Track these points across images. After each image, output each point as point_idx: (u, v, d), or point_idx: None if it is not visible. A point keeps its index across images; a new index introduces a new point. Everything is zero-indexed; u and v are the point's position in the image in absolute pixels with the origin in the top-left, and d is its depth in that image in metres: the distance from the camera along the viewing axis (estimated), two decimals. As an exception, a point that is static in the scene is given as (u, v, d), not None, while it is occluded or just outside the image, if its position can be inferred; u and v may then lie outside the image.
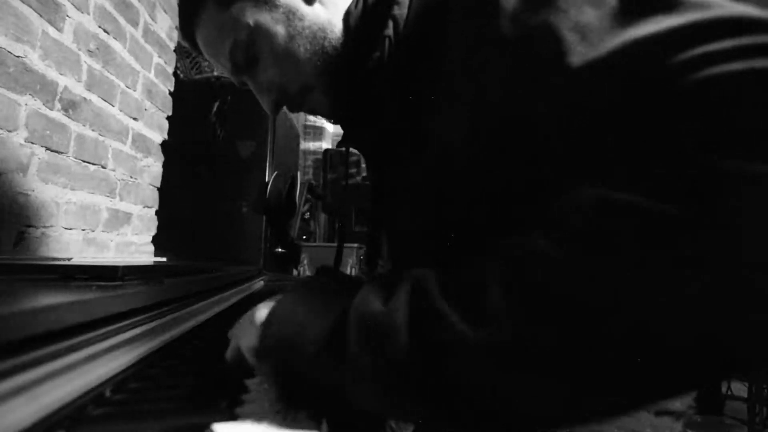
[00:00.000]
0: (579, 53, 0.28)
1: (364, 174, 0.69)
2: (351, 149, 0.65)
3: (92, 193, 1.14)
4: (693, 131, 0.24)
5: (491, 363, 0.26)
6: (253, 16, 0.48)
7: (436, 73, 0.42)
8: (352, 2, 0.51)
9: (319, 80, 0.51)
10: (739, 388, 2.24)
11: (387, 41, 0.46)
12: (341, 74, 0.51)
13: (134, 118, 1.33)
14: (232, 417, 0.30)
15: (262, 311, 0.35)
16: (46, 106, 0.94)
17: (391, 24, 0.46)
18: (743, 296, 0.22)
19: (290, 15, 0.48)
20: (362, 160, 0.67)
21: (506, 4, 0.34)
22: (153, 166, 1.47)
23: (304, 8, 0.49)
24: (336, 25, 0.50)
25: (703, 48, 0.24)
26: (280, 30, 0.48)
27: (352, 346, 0.29)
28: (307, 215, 3.02)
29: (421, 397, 0.28)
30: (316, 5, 0.49)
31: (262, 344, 0.33)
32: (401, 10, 0.46)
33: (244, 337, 0.35)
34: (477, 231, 0.40)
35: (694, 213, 0.22)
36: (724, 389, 2.25)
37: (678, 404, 0.46)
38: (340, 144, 0.62)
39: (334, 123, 0.59)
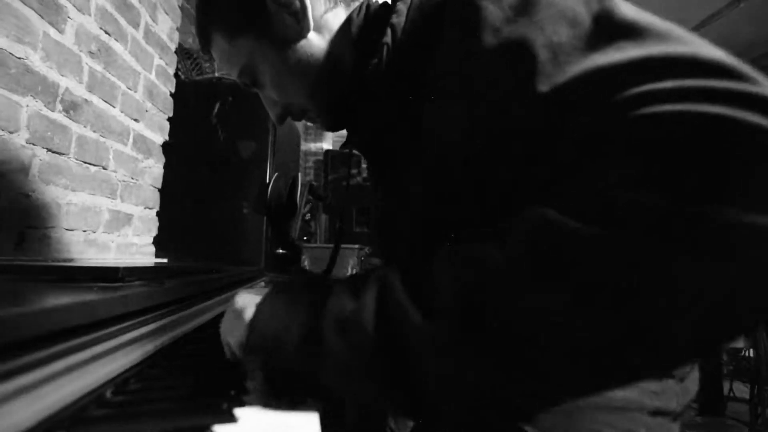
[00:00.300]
0: (547, 75, 0.31)
1: (365, 175, 0.71)
2: (353, 150, 0.68)
3: (93, 194, 1.14)
4: (625, 164, 0.26)
5: (439, 350, 0.30)
6: (253, 49, 0.54)
7: (430, 80, 0.44)
8: (354, 10, 0.55)
9: (311, 103, 0.57)
10: (741, 390, 2.23)
11: (385, 48, 0.49)
12: (334, 95, 0.56)
13: (135, 120, 1.33)
14: (233, 418, 0.30)
15: (248, 310, 0.38)
16: (47, 108, 0.94)
17: (389, 32, 0.49)
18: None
19: (284, 48, 0.53)
20: (363, 160, 0.69)
21: (489, 16, 0.36)
22: (154, 167, 1.47)
23: (297, 43, 0.54)
24: (328, 52, 0.54)
25: (651, 86, 0.26)
26: (275, 63, 0.54)
27: (328, 339, 0.33)
28: (307, 216, 3.02)
29: (387, 382, 0.32)
30: (311, 34, 0.54)
31: (249, 341, 0.36)
32: (399, 18, 0.49)
33: (233, 334, 0.38)
34: (468, 229, 0.42)
35: (612, 238, 0.25)
36: (726, 390, 2.24)
37: (674, 404, 0.45)
38: (343, 146, 0.66)
39: (334, 131, 0.64)
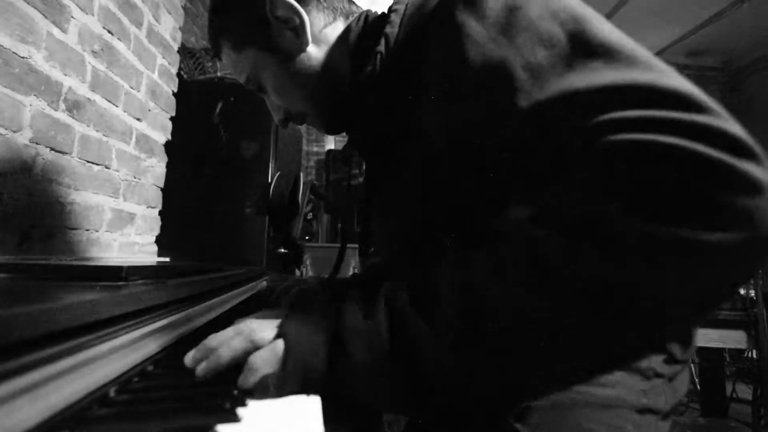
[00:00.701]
0: (527, 93, 0.34)
1: (366, 172, 0.74)
2: (353, 152, 0.71)
3: (96, 193, 1.14)
4: (591, 183, 0.30)
5: (447, 355, 0.34)
6: (257, 59, 0.58)
7: (420, 86, 0.47)
8: (353, 20, 0.59)
9: (310, 110, 0.61)
10: (744, 391, 2.23)
11: (378, 56, 0.53)
12: (332, 102, 0.60)
13: (138, 119, 1.33)
14: (235, 418, 0.30)
15: (279, 344, 0.39)
16: (50, 107, 0.94)
17: (383, 41, 0.52)
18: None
19: (285, 60, 0.58)
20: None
21: (474, 33, 0.39)
22: (156, 167, 1.47)
23: (297, 56, 0.58)
24: (327, 63, 0.58)
25: (618, 114, 0.30)
26: (277, 73, 0.59)
27: (353, 354, 0.37)
28: (309, 216, 3.02)
29: (402, 384, 0.36)
30: (310, 48, 0.58)
31: (286, 371, 0.37)
32: (393, 28, 0.52)
33: (267, 366, 0.38)
34: (455, 231, 0.47)
35: (575, 247, 0.30)
36: (728, 392, 2.24)
37: (662, 403, 0.46)
38: (345, 147, 0.71)
39: (333, 135, 0.68)
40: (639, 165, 0.28)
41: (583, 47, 0.34)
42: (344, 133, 0.67)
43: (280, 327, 0.40)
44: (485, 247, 0.35)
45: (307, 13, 0.56)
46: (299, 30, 0.56)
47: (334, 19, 0.59)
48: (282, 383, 0.38)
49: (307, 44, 0.57)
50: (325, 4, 0.58)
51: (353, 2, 0.62)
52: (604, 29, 0.35)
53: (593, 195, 0.29)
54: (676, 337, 0.48)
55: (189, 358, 0.40)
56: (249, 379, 0.37)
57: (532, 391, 0.39)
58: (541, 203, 0.32)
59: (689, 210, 0.27)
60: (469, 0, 0.40)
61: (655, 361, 0.47)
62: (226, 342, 0.40)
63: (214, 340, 0.40)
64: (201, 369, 0.39)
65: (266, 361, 0.38)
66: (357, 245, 0.76)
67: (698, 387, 2.34)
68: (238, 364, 0.39)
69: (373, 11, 0.60)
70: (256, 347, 0.39)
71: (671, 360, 0.48)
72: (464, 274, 0.35)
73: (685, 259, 0.27)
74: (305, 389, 0.37)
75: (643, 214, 0.27)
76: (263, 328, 0.40)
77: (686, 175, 0.27)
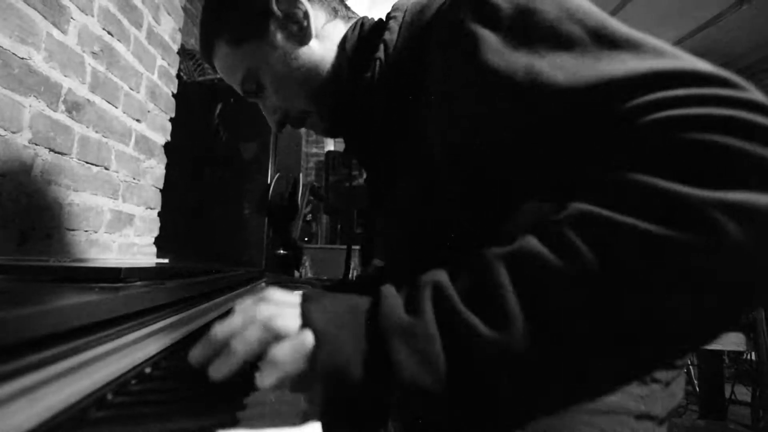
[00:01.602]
0: (561, 82, 0.33)
1: (365, 179, 0.73)
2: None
3: (95, 194, 1.14)
4: (638, 161, 0.29)
5: (513, 360, 0.28)
6: (258, 55, 0.57)
7: (419, 93, 0.47)
8: (350, 28, 0.58)
9: (313, 107, 0.59)
10: (743, 393, 2.23)
11: (378, 63, 0.52)
12: (333, 100, 0.58)
13: (137, 120, 1.33)
14: (234, 420, 0.30)
15: (307, 337, 0.32)
16: (50, 108, 0.94)
17: (382, 47, 0.52)
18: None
19: (287, 56, 0.56)
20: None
21: (492, 42, 0.38)
22: (156, 168, 1.47)
23: (300, 49, 0.57)
24: (328, 60, 0.57)
25: (657, 95, 0.30)
26: (279, 67, 0.57)
27: (397, 361, 0.30)
28: (309, 217, 3.02)
29: (460, 397, 0.29)
30: (313, 42, 0.57)
31: (314, 372, 0.31)
32: (391, 35, 0.52)
33: (290, 363, 0.32)
34: (456, 235, 0.45)
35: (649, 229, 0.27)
36: (727, 394, 2.24)
37: (659, 409, 0.46)
38: (343, 153, 0.69)
39: (332, 138, 0.67)
40: (705, 137, 0.27)
41: (607, 42, 0.34)
42: (342, 139, 0.67)
43: (306, 314, 0.33)
44: (532, 243, 0.30)
45: (311, 6, 0.56)
46: (302, 23, 0.56)
47: (334, 17, 0.59)
48: (306, 386, 0.32)
49: (310, 38, 0.56)
50: (326, 2, 0.58)
51: (349, 8, 0.62)
52: (622, 26, 0.35)
53: (662, 173, 0.28)
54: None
55: (195, 355, 0.34)
56: (268, 379, 0.31)
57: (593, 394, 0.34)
58: (599, 187, 0.30)
59: (761, 175, 0.26)
60: (478, 9, 0.40)
61: None
62: (239, 333, 0.33)
63: (221, 330, 0.34)
64: (214, 371, 0.33)
65: (290, 356, 0.31)
66: (356, 247, 0.76)
67: (697, 389, 2.34)
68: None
69: (369, 18, 0.60)
70: (276, 337, 0.33)
71: (669, 365, 0.48)
72: (525, 269, 0.30)
73: (760, 220, 0.26)
74: (333, 397, 0.31)
75: (714, 184, 0.26)
76: (284, 314, 0.34)
77: (749, 142, 0.27)
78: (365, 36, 0.56)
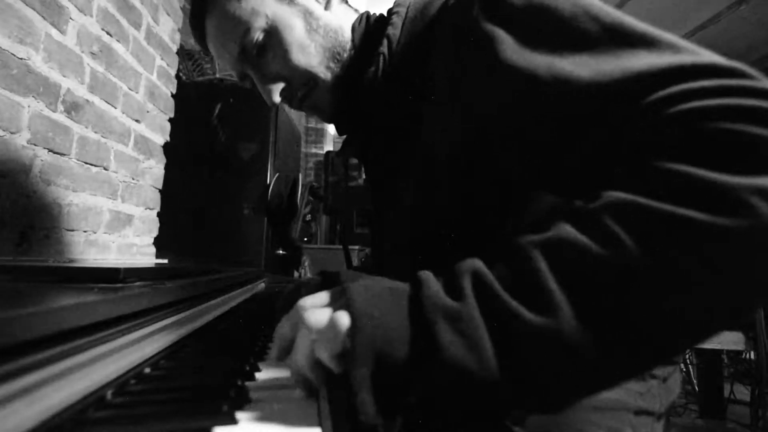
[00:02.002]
0: (586, 79, 0.34)
1: (365, 176, 0.71)
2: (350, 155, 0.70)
3: (94, 194, 1.14)
4: (668, 152, 0.29)
5: (558, 347, 0.28)
6: (273, 8, 0.53)
7: (423, 89, 0.46)
8: (356, 19, 0.58)
9: (327, 75, 0.55)
10: (742, 392, 2.23)
11: (381, 58, 0.52)
12: (344, 73, 0.56)
13: (136, 120, 1.33)
14: (234, 420, 0.30)
15: (343, 317, 0.30)
16: (48, 108, 0.94)
17: (385, 43, 0.52)
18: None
19: (308, 13, 0.54)
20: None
21: (504, 38, 0.38)
22: (155, 168, 1.47)
23: (320, 10, 0.55)
24: (346, 32, 0.56)
25: (680, 86, 0.30)
26: (298, 23, 0.54)
27: (443, 344, 0.28)
28: (308, 217, 3.02)
29: (507, 386, 0.28)
30: (334, 9, 0.56)
31: (356, 352, 0.29)
32: (395, 30, 0.52)
33: (326, 345, 0.31)
34: (459, 235, 0.45)
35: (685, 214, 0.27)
36: (726, 393, 2.24)
37: (657, 405, 0.47)
38: (340, 153, 0.67)
39: (330, 122, 0.63)
40: (733, 126, 0.28)
41: (625, 39, 0.34)
42: (342, 135, 0.66)
43: (345, 293, 0.31)
44: (568, 230, 0.30)
45: None
46: None
47: (344, 2, 0.59)
48: (346, 365, 0.30)
49: (331, 4, 0.56)
50: None
51: (350, 5, 0.62)
52: (637, 22, 0.36)
53: (693, 161, 0.28)
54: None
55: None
56: (301, 360, 0.31)
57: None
58: (640, 179, 0.30)
59: None
60: (490, 7, 0.39)
61: None
62: (299, 350, 0.32)
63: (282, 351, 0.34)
64: (301, 390, 0.33)
65: (327, 332, 0.30)
66: (355, 247, 0.75)
67: (696, 388, 2.35)
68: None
69: (373, 13, 0.59)
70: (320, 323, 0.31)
71: (666, 361, 0.49)
72: (566, 256, 0.29)
73: None
74: (378, 377, 0.29)
75: (747, 170, 0.27)
76: (321, 308, 0.32)
77: None
78: (370, 30, 0.56)
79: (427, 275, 0.32)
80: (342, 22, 0.56)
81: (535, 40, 0.37)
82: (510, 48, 0.38)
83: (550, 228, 0.31)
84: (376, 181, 0.64)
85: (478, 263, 0.31)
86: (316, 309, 0.32)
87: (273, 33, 0.53)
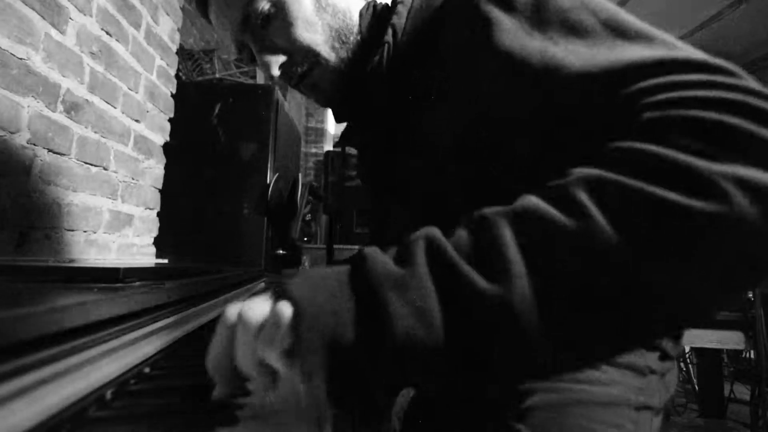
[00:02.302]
0: (576, 67, 0.34)
1: (361, 167, 0.68)
2: (349, 149, 0.69)
3: (94, 194, 1.14)
4: (647, 136, 0.29)
5: (512, 319, 0.27)
6: None
7: (428, 79, 0.46)
8: (364, 6, 0.57)
9: (331, 55, 0.53)
10: (742, 392, 2.23)
11: (386, 47, 0.51)
12: (351, 61, 0.54)
13: (136, 120, 1.33)
14: (233, 420, 0.30)
15: (283, 308, 0.29)
16: (48, 108, 0.94)
17: (390, 32, 0.51)
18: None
19: None
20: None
21: (505, 25, 0.39)
22: (155, 168, 1.47)
23: None
24: (354, 16, 0.55)
25: (666, 78, 0.31)
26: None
27: (393, 315, 0.27)
28: (308, 217, 3.02)
29: (455, 355, 0.28)
30: None
31: (304, 343, 0.28)
32: (399, 19, 0.51)
33: (268, 344, 0.29)
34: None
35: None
36: (726, 392, 2.24)
37: (656, 400, 0.47)
38: (337, 144, 0.66)
39: (327, 106, 0.61)
40: (716, 116, 0.28)
41: (620, 33, 0.35)
42: (340, 122, 0.64)
43: (281, 290, 0.30)
44: (535, 201, 0.29)
45: None
46: None
47: None
48: (295, 358, 0.28)
49: None
50: None
51: None
52: (633, 18, 0.37)
53: (672, 146, 0.28)
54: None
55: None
56: (248, 362, 0.28)
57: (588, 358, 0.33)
58: (616, 157, 0.29)
59: (762, 154, 0.27)
60: None
61: (651, 358, 0.48)
62: (240, 351, 0.30)
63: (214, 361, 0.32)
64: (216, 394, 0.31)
65: (268, 334, 0.28)
66: (355, 247, 0.75)
67: (696, 388, 2.35)
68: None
69: (378, 1, 0.58)
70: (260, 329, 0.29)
71: (664, 356, 0.49)
72: (532, 226, 0.28)
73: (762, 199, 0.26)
74: (331, 364, 0.27)
75: (725, 158, 0.27)
76: (260, 308, 0.30)
77: (755, 124, 0.28)
78: (375, 18, 0.56)
79: (371, 249, 0.31)
80: (350, 5, 0.55)
81: (532, 25, 0.38)
82: (506, 31, 0.38)
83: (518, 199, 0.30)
84: (374, 172, 0.64)
85: (433, 230, 0.30)
86: (254, 304, 0.30)
87: (280, 5, 0.51)
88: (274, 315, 0.29)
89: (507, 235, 0.28)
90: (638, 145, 0.29)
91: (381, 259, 0.30)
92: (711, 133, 0.28)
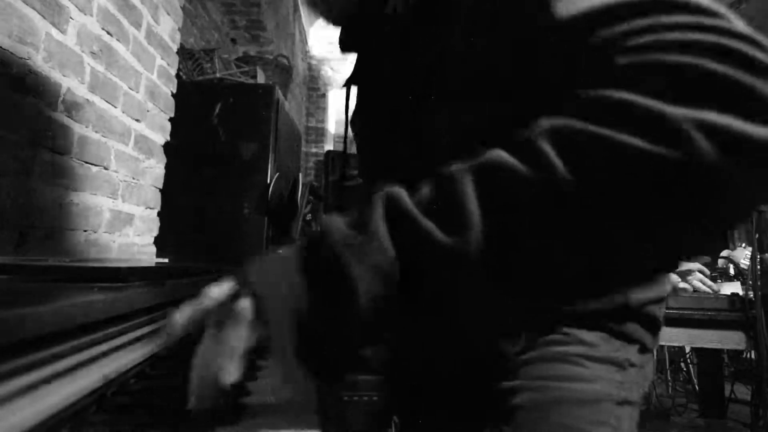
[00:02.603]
0: (559, 12, 0.33)
1: (360, 108, 0.62)
2: (351, 150, 0.65)
3: (94, 194, 1.14)
4: (615, 81, 0.28)
5: (468, 270, 0.27)
6: None
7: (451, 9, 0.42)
8: None
9: None
10: (743, 392, 2.23)
11: None
12: None
13: (137, 120, 1.33)
14: (233, 420, 0.30)
15: (244, 304, 0.30)
16: (49, 108, 0.94)
17: None
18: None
19: None
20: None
21: None
22: (155, 168, 1.47)
23: None
24: None
25: (639, 21, 0.29)
26: None
27: (352, 278, 0.28)
28: (308, 216, 3.02)
29: (417, 309, 0.29)
30: None
31: (271, 332, 0.28)
32: None
33: (235, 340, 0.29)
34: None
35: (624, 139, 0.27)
36: (727, 392, 2.24)
37: (636, 394, 0.47)
38: (346, 83, 0.62)
39: (336, 23, 0.57)
40: (685, 59, 0.27)
41: None
42: (345, 52, 0.58)
43: (239, 280, 0.31)
44: (498, 153, 0.29)
45: None
46: None
47: None
48: (276, 352, 0.28)
49: None
50: None
51: None
52: None
53: (638, 91, 0.27)
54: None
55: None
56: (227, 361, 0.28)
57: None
58: (581, 105, 0.29)
59: (742, 102, 0.26)
60: None
61: (630, 351, 0.47)
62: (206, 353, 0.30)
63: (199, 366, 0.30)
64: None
65: (236, 329, 0.28)
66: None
67: (697, 388, 2.35)
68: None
69: None
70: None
71: (643, 349, 0.49)
72: (494, 178, 0.29)
73: (732, 143, 0.25)
74: (303, 345, 0.28)
75: (691, 103, 0.26)
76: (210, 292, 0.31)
77: (731, 68, 0.27)
78: None
79: (329, 218, 0.31)
80: None
81: None
82: None
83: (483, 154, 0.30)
84: (378, 112, 0.58)
85: (395, 188, 0.31)
86: (211, 306, 0.31)
87: None
88: (237, 314, 0.29)
89: (468, 186, 0.28)
90: (608, 92, 0.28)
91: (337, 225, 0.30)
92: (683, 77, 0.27)
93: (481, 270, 0.27)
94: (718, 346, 1.92)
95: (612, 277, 0.30)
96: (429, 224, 0.28)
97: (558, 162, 0.27)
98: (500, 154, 0.29)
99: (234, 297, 0.31)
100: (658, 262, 0.31)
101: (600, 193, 0.27)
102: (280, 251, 0.32)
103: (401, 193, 0.30)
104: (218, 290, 0.32)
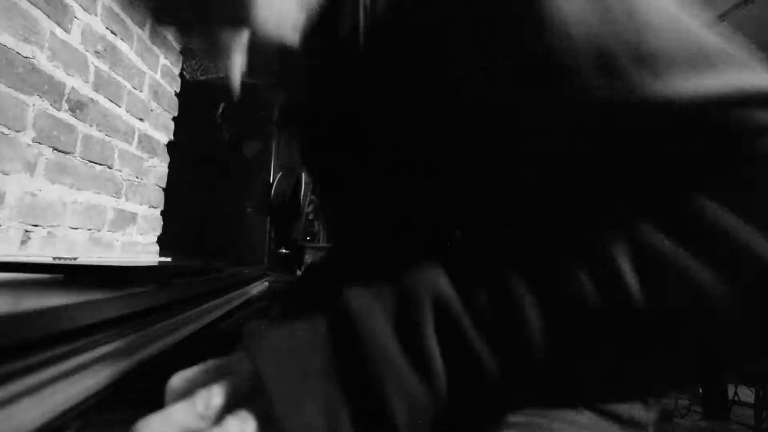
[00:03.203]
0: (646, 87, 0.27)
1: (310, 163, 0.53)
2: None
3: (98, 193, 1.14)
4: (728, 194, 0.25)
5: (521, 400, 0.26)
6: None
7: (416, 57, 0.33)
8: None
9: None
10: (746, 394, 2.22)
11: (362, 8, 0.36)
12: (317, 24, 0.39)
13: (140, 119, 1.33)
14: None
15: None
16: (53, 107, 0.95)
17: None
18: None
19: None
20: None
21: (566, 6, 0.28)
22: (159, 167, 1.47)
23: None
24: None
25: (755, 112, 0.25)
26: None
27: (391, 413, 0.24)
28: (311, 216, 3.02)
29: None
30: None
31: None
32: None
33: None
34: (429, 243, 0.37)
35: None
36: (730, 395, 2.23)
37: (638, 413, 0.45)
38: (277, 123, 0.55)
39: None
40: None
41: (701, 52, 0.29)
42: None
43: (253, 366, 0.25)
44: (573, 269, 0.26)
45: None
46: None
47: None
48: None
49: None
50: None
51: None
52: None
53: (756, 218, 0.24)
54: None
55: None
56: None
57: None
58: (679, 220, 0.25)
59: None
60: None
61: (635, 408, 0.46)
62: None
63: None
64: None
65: None
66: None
67: (700, 390, 2.33)
68: None
69: None
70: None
71: (647, 407, 0.47)
72: (554, 305, 0.26)
73: None
74: None
75: None
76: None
77: None
78: None
79: (359, 305, 0.26)
80: None
81: (599, 12, 0.29)
82: (568, 13, 0.28)
83: (555, 258, 0.27)
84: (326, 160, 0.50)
85: (442, 284, 0.26)
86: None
87: None
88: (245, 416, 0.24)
89: (527, 306, 0.25)
90: (710, 210, 0.24)
91: (379, 328, 0.25)
92: None
93: (528, 387, 0.25)
94: (722, 348, 1.91)
95: (642, 392, 0.29)
96: (481, 346, 0.25)
97: (636, 291, 0.24)
98: (569, 264, 0.26)
99: (230, 406, 0.25)
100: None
101: (672, 325, 0.24)
102: (294, 329, 0.26)
103: (450, 294, 0.26)
104: (207, 397, 0.25)
